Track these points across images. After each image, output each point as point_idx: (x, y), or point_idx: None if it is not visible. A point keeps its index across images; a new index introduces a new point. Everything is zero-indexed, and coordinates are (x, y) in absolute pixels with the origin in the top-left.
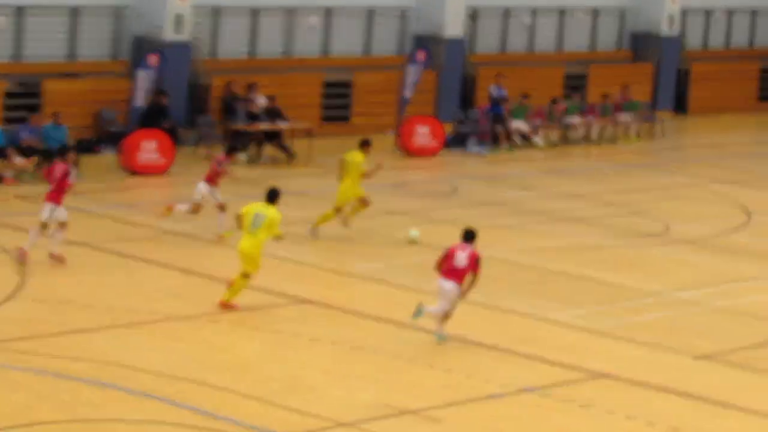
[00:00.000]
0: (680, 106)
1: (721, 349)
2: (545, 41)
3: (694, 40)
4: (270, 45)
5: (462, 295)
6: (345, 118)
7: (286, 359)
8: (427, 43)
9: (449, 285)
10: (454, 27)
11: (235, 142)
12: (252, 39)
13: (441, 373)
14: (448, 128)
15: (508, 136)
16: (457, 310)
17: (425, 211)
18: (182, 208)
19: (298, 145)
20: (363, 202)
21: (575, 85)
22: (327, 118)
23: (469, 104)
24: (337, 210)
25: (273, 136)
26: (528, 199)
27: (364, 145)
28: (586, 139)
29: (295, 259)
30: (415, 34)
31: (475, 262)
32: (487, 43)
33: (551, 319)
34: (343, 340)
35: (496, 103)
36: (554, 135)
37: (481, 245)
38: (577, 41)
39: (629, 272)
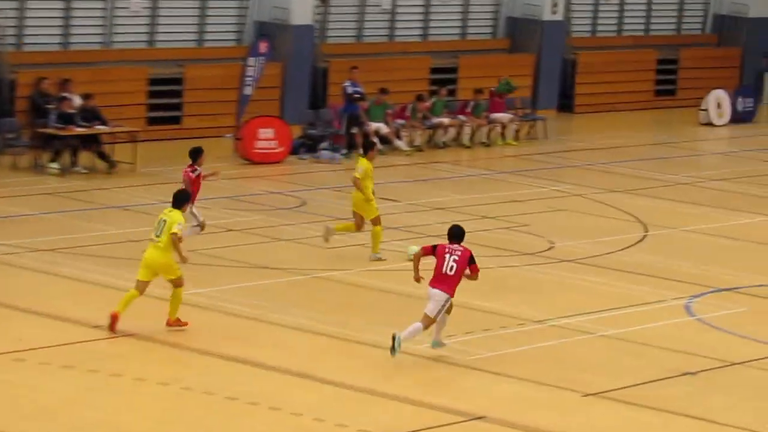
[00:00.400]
0: (565, 102)
1: (614, 385)
2: (408, 28)
3: (581, 26)
4: (86, 35)
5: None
6: (175, 120)
7: (105, 403)
8: (270, 31)
9: (438, 293)
10: (301, 12)
11: (197, 148)
12: (65, 28)
13: (288, 417)
14: (296, 131)
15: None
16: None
17: (269, 227)
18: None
19: (120, 152)
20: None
21: (443, 79)
22: (154, 120)
23: (321, 102)
24: (377, 221)
25: (90, 142)
26: (389, 213)
27: (370, 148)
28: (457, 141)
29: (117, 285)
30: (256, 20)
31: (465, 263)
32: (341, 30)
33: (416, 352)
34: (171, 380)
35: (351, 100)
36: (419, 137)
37: (335, 267)
38: (445, 28)
39: (506, 296)
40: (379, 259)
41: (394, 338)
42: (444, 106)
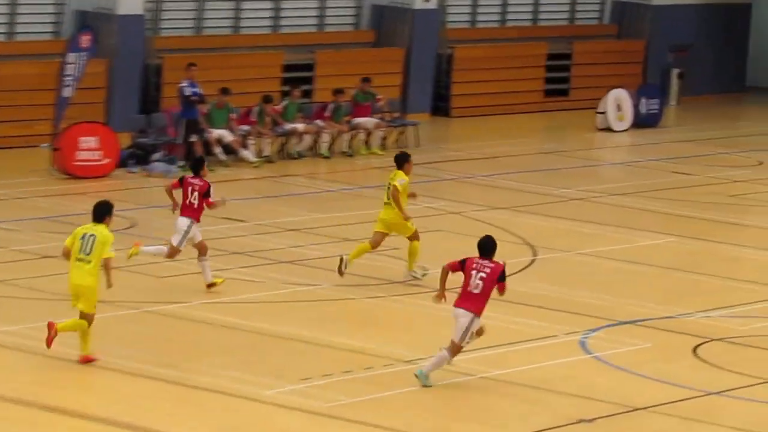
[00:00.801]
0: (440, 105)
1: None
2: (257, 18)
3: (458, 16)
4: None
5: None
6: None
7: None
8: (93, 22)
9: (462, 313)
10: (130, 0)
11: (199, 158)
12: None
13: None
14: (125, 139)
15: (207, 149)
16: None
17: None
18: (150, 250)
19: None
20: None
21: (298, 77)
22: None
23: (153, 106)
24: (415, 236)
25: None
26: (234, 235)
27: (405, 161)
28: (314, 151)
29: None
30: (76, 10)
31: (494, 281)
32: (177, 21)
33: (264, 398)
34: None
35: (188, 103)
36: (269, 146)
37: (169, 300)
38: (300, 18)
39: (371, 331)
40: (415, 278)
41: (417, 376)
42: (298, 110)
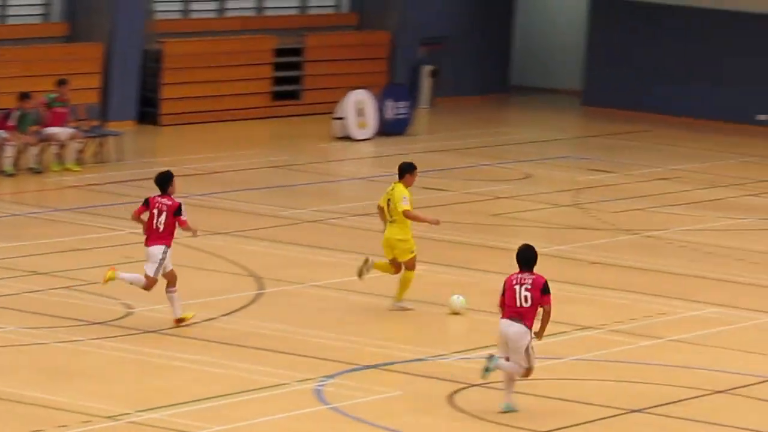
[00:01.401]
0: (148, 111)
1: None
2: None
3: (167, 4)
4: None
5: (539, 336)
6: None
7: None
8: None
9: (514, 327)
10: None
11: (167, 172)
12: None
13: None
14: None
15: None
16: None
17: None
18: (127, 277)
19: None
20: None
21: None
22: None
23: None
24: (411, 265)
25: None
26: None
27: (408, 171)
28: None
29: None
30: None
31: (540, 293)
32: None
33: None
34: None
35: None
36: None
37: None
38: None
39: (66, 382)
40: (403, 309)
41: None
42: None
